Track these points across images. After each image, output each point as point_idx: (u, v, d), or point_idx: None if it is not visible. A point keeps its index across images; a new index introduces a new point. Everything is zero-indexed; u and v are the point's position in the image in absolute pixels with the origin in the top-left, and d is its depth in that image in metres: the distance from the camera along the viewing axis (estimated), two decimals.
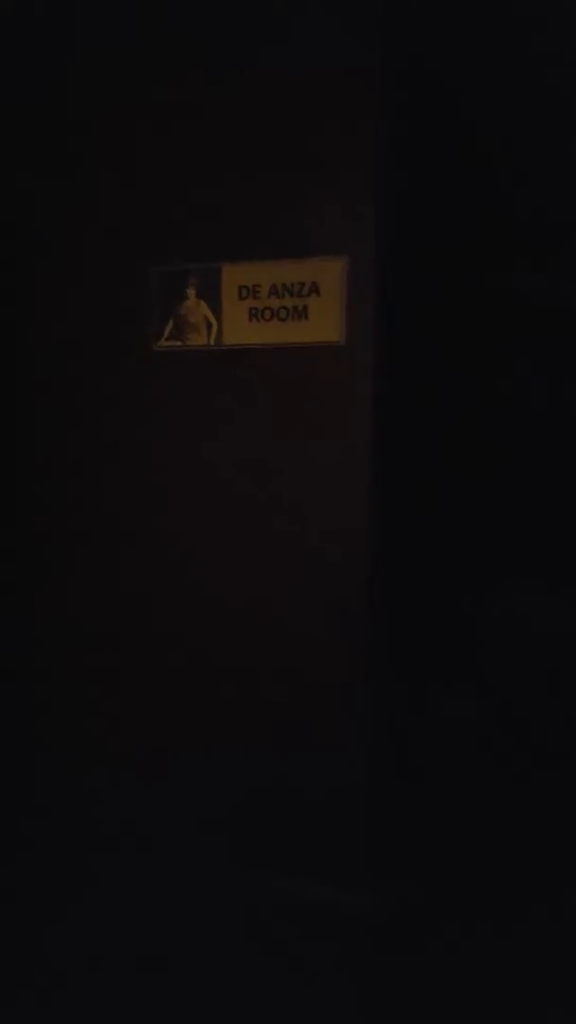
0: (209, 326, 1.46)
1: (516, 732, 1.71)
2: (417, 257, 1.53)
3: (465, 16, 1.45)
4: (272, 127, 1.40)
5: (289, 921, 1.45)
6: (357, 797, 1.48)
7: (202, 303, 1.46)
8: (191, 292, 1.47)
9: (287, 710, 1.50)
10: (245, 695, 1.53)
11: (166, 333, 1.49)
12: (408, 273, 1.50)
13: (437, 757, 1.72)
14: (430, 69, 1.53)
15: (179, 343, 1.49)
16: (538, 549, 1.75)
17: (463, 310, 1.62)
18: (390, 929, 1.45)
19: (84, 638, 1.65)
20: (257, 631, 1.51)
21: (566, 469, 1.70)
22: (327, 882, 1.49)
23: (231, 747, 1.55)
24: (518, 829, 1.70)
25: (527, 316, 1.63)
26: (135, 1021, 1.26)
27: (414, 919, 1.46)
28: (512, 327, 1.63)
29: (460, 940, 1.42)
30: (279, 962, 1.38)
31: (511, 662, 1.76)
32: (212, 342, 1.46)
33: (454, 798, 1.71)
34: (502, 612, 1.75)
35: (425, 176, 1.57)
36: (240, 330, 1.44)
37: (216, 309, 1.45)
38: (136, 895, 1.52)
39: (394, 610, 1.59)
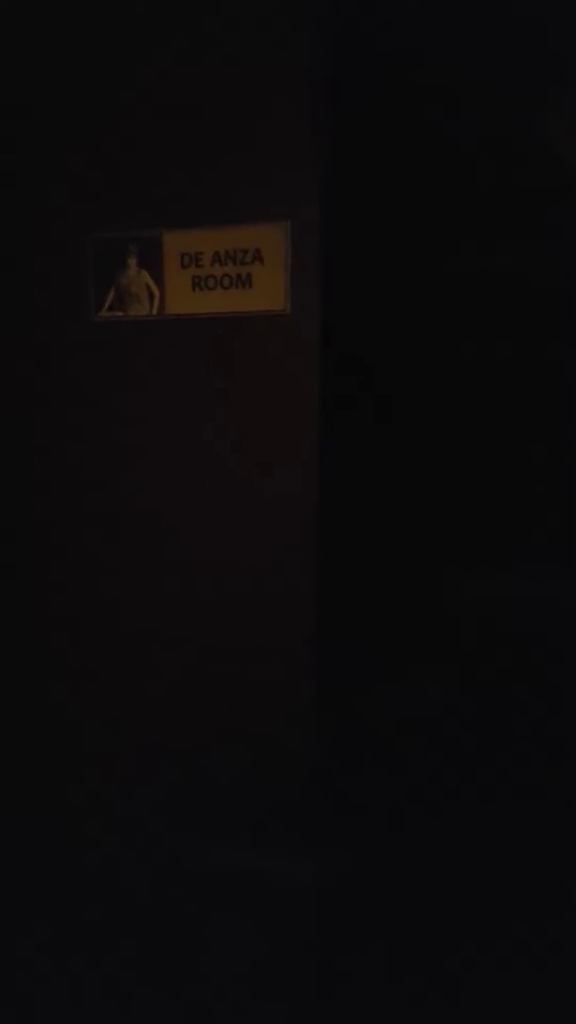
0: (151, 296, 1.43)
1: (472, 712, 1.72)
2: (367, 221, 1.52)
3: None
4: (208, 89, 1.38)
5: (231, 891, 1.44)
6: (302, 767, 1.47)
7: (144, 272, 1.43)
8: (132, 261, 1.44)
9: (232, 677, 1.49)
10: (191, 667, 1.51)
11: (107, 304, 1.46)
12: (357, 238, 1.49)
13: (389, 733, 1.71)
14: (377, 23, 1.52)
15: (120, 314, 1.45)
16: (496, 529, 1.75)
17: (416, 274, 1.62)
18: (334, 899, 1.44)
19: (30, 614, 1.61)
20: (201, 600, 1.49)
21: (523, 447, 1.71)
22: (270, 852, 1.48)
23: (172, 718, 1.53)
24: (469, 802, 1.71)
25: (486, 284, 1.63)
26: (76, 991, 1.24)
27: (359, 889, 1.47)
28: (469, 294, 1.63)
29: (406, 910, 1.43)
30: (220, 931, 1.37)
31: (470, 641, 1.76)
32: (155, 312, 1.43)
33: (406, 771, 1.71)
34: (452, 590, 1.76)
35: (375, 136, 1.56)
36: (183, 299, 1.42)
37: (158, 278, 1.43)
38: (79, 865, 1.49)
39: (345, 585, 1.58)
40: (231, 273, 1.40)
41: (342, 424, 1.46)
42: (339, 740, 1.54)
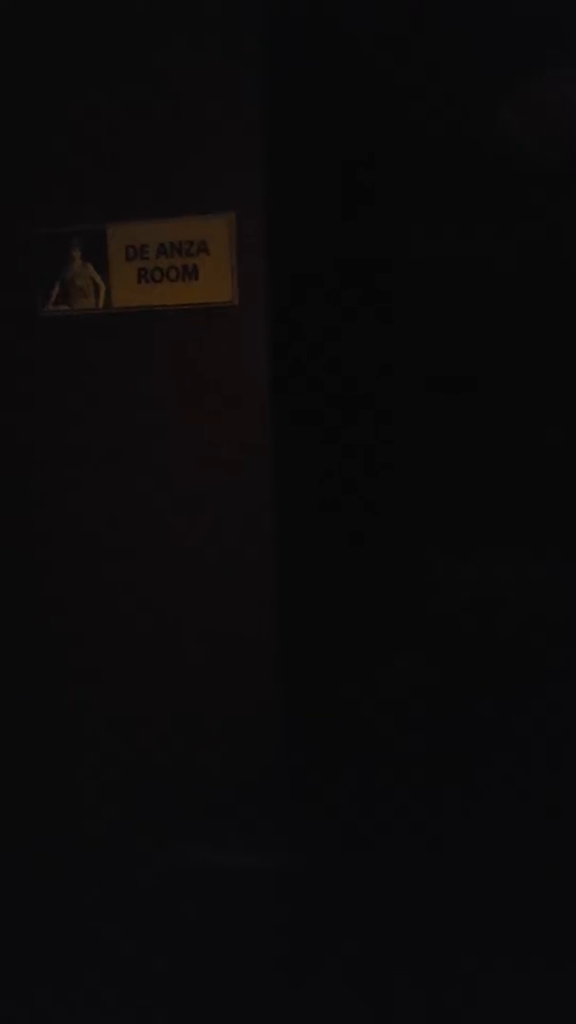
0: (97, 289, 1.42)
1: (440, 698, 1.74)
2: (311, 210, 1.53)
3: None
4: (151, 84, 1.37)
5: (205, 887, 1.44)
6: (274, 762, 1.47)
7: (89, 265, 1.42)
8: (76, 254, 1.42)
9: (201, 672, 1.49)
10: (158, 660, 1.50)
11: (53, 297, 1.44)
12: (302, 227, 1.49)
13: (361, 723, 1.72)
14: (316, 17, 1.52)
15: (66, 307, 1.44)
16: (452, 514, 1.77)
17: (363, 261, 1.63)
18: (306, 892, 1.45)
19: None
20: (161, 594, 1.49)
21: (474, 432, 1.73)
22: (242, 848, 1.48)
23: (134, 711, 1.52)
24: (438, 789, 1.72)
25: (437, 268, 1.64)
26: (57, 993, 1.23)
27: (331, 882, 1.47)
28: (418, 279, 1.64)
29: (378, 904, 1.44)
30: (196, 927, 1.37)
31: (441, 628, 1.77)
32: (101, 305, 1.42)
33: (377, 763, 1.72)
34: (419, 576, 1.77)
35: (318, 127, 1.56)
36: (129, 292, 1.41)
37: (103, 271, 1.41)
38: (53, 866, 1.48)
39: (304, 571, 1.59)
40: (177, 265, 1.39)
41: (293, 411, 1.46)
42: (304, 731, 1.55)
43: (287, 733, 1.47)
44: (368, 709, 1.70)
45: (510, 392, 1.77)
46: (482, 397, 1.75)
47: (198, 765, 1.50)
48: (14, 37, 1.43)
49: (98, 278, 1.42)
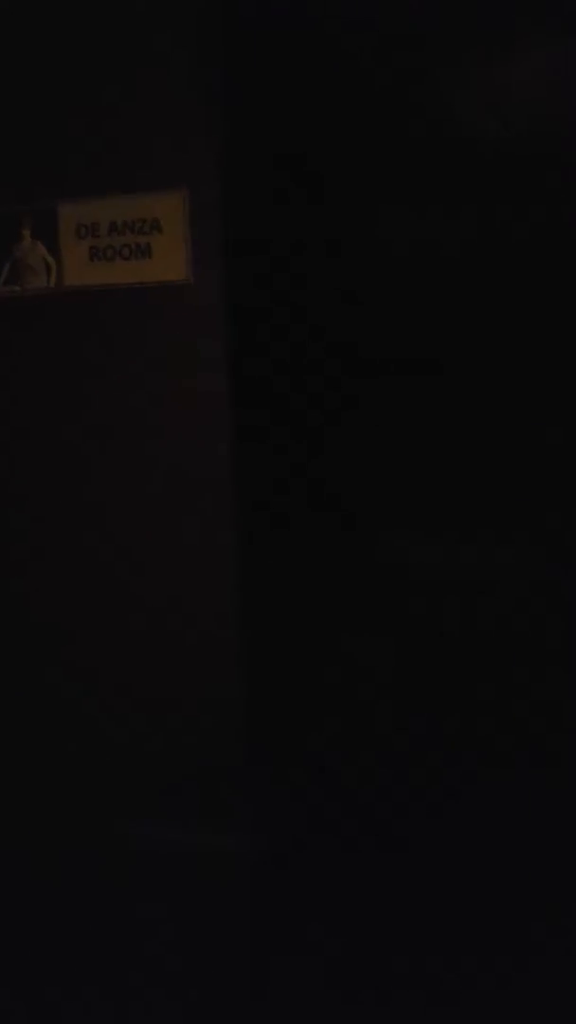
0: (48, 268, 1.40)
1: (407, 680, 1.74)
2: (268, 186, 1.51)
3: None
4: (100, 57, 1.35)
5: (165, 867, 1.44)
6: (236, 741, 1.47)
7: (39, 244, 1.40)
8: (26, 233, 1.40)
9: (163, 654, 1.48)
10: (120, 642, 1.50)
11: (2, 277, 1.42)
12: (259, 204, 1.48)
13: (328, 703, 1.72)
14: None
15: (17, 288, 1.42)
16: (414, 496, 1.76)
17: (321, 239, 1.61)
18: (271, 872, 1.45)
19: None
20: (118, 571, 1.47)
21: (436, 412, 1.73)
22: (206, 828, 1.48)
23: (96, 692, 1.52)
24: (404, 773, 1.73)
25: (396, 248, 1.63)
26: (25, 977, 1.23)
27: (297, 862, 1.48)
28: (378, 258, 1.63)
29: (345, 881, 1.45)
30: (158, 907, 1.37)
31: (397, 609, 1.77)
32: (52, 284, 1.40)
33: (339, 742, 1.73)
34: (381, 561, 1.77)
35: (274, 99, 1.54)
36: (81, 271, 1.39)
37: (54, 249, 1.39)
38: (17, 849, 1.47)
39: (266, 556, 1.59)
40: (130, 243, 1.37)
41: (250, 392, 1.45)
42: (269, 714, 1.55)
43: (251, 714, 1.48)
44: (334, 690, 1.71)
45: (477, 375, 1.78)
46: (448, 380, 1.75)
47: (161, 745, 1.49)
48: None
49: (49, 257, 1.40)
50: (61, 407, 1.44)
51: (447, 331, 1.74)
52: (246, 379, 1.43)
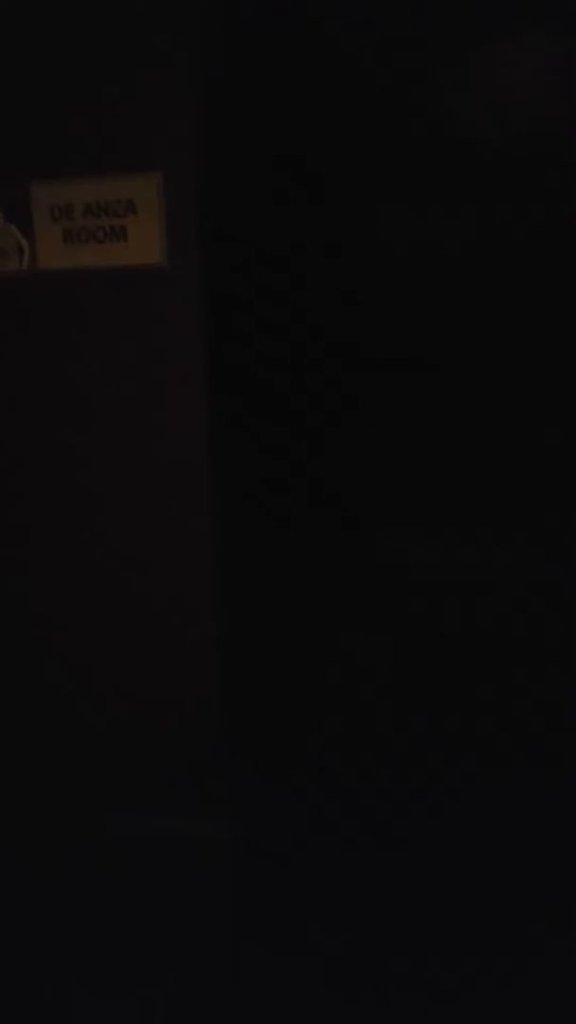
0: (21, 250, 1.38)
1: (386, 671, 1.69)
2: (244, 168, 1.49)
3: None
4: (77, 36, 1.33)
5: (146, 855, 1.41)
6: (216, 731, 1.44)
7: (11, 226, 1.37)
8: None
9: (142, 643, 1.46)
10: (100, 629, 1.47)
11: None
12: (235, 186, 1.45)
13: (310, 693, 1.67)
14: None
15: None
16: (411, 495, 1.71)
17: (298, 222, 1.58)
18: (252, 860, 1.41)
19: None
20: (92, 562, 1.45)
21: (437, 415, 1.68)
22: (183, 815, 1.44)
23: (75, 678, 1.48)
24: (384, 759, 1.68)
25: (373, 230, 1.59)
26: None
27: (278, 850, 1.44)
28: (354, 240, 1.59)
29: (326, 872, 1.41)
30: (138, 894, 1.34)
31: (385, 605, 1.72)
32: (25, 267, 1.38)
33: (318, 728, 1.68)
34: (360, 554, 1.72)
35: (258, 79, 1.53)
36: (55, 253, 1.36)
37: (27, 231, 1.37)
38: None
39: (245, 543, 1.54)
40: (104, 225, 1.35)
41: (227, 377, 1.42)
42: (248, 702, 1.51)
43: (233, 705, 1.44)
44: (317, 680, 1.65)
45: (473, 375, 1.73)
46: (444, 380, 1.70)
47: (141, 732, 1.47)
48: None
49: (22, 239, 1.37)
50: (34, 390, 1.41)
51: (450, 332, 1.70)
52: (223, 365, 1.39)
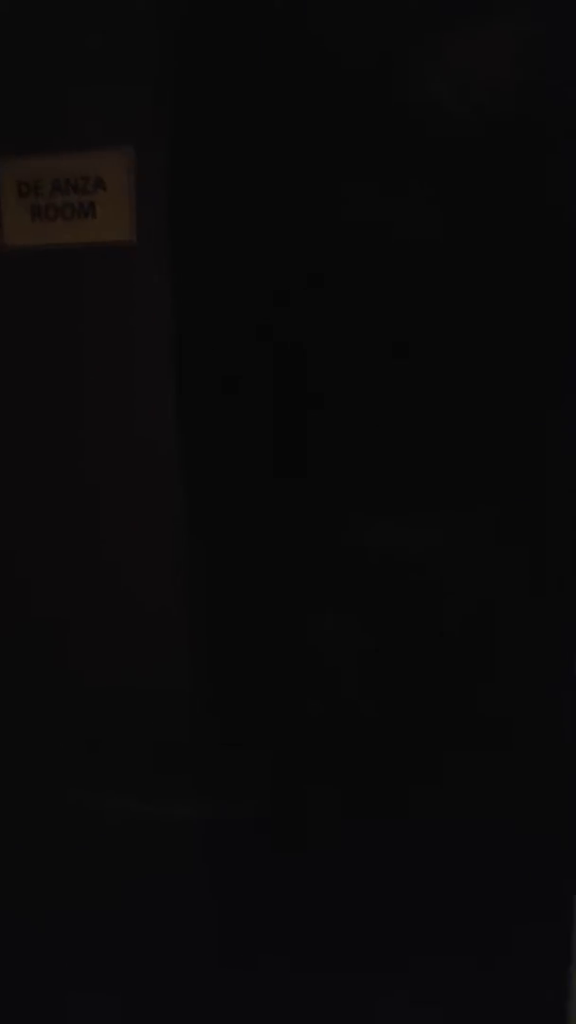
0: None
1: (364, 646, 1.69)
2: (217, 142, 1.48)
3: None
4: (43, 8, 1.32)
5: (125, 838, 1.39)
6: (190, 712, 1.41)
7: None
8: None
9: (117, 623, 1.42)
10: (62, 601, 1.44)
11: None
12: (207, 162, 1.45)
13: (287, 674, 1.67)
14: None
15: None
16: (383, 479, 1.71)
17: (270, 198, 1.57)
18: (233, 843, 1.41)
19: None
20: (65, 539, 1.42)
21: (392, 386, 1.67)
22: (158, 797, 1.43)
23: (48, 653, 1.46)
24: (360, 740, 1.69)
25: (352, 213, 1.59)
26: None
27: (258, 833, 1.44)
28: (327, 216, 1.58)
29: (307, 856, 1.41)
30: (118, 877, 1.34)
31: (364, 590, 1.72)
32: None
33: (297, 707, 1.68)
34: (340, 538, 1.71)
35: (225, 52, 1.52)
36: (23, 230, 1.35)
37: None
38: None
39: (221, 531, 1.54)
40: (73, 202, 1.34)
41: (197, 356, 1.41)
42: (225, 677, 1.51)
43: (203, 681, 1.43)
44: (293, 660, 1.66)
45: (444, 356, 1.72)
46: (414, 362, 1.70)
47: (119, 712, 1.43)
48: None
49: None
50: (5, 366, 1.40)
51: (423, 314, 1.70)
52: (193, 342, 1.39)
